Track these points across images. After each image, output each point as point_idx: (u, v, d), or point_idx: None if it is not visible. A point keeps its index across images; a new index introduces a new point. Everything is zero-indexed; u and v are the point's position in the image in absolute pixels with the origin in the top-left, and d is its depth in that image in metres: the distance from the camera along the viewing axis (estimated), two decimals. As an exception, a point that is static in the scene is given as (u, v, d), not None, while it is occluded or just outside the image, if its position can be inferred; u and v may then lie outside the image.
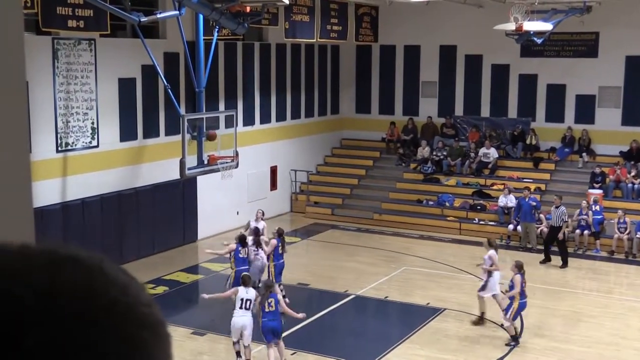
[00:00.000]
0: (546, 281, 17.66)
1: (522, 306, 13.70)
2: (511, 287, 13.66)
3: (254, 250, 15.30)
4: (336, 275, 17.60)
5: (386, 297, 16.23)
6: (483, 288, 14.57)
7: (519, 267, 13.81)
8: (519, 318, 14.05)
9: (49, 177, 16.24)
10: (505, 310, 13.67)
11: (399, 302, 16.05)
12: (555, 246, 18.96)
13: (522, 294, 13.65)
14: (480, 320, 14.62)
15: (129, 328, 0.81)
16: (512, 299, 13.64)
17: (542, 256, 19.33)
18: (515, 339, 13.68)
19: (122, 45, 18.02)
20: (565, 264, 18.71)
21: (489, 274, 14.48)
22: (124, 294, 0.82)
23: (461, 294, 16.32)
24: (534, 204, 20.24)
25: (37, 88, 15.59)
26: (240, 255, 14.92)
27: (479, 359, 13.11)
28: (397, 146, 25.54)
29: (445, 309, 15.34)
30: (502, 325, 14.04)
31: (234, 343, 12.75)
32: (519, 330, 14.06)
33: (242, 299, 12.50)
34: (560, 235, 18.80)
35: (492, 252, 14.63)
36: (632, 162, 22.16)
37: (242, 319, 12.46)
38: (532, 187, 22.65)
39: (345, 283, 16.99)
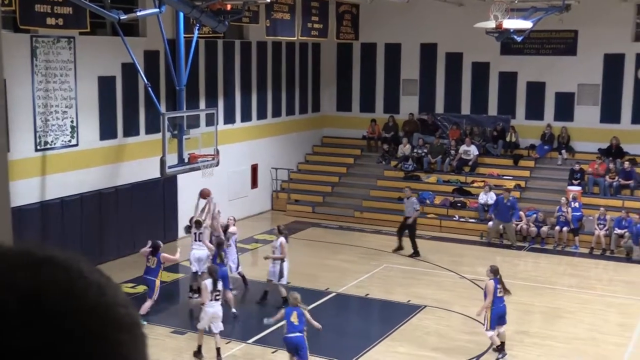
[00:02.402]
0: (525, 278, 17.79)
1: (498, 311, 12.83)
2: (485, 295, 12.95)
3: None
4: (317, 273, 17.62)
5: (367, 294, 16.27)
6: (281, 276, 15.06)
7: (495, 272, 12.96)
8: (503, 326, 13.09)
9: (27, 177, 16.12)
10: (484, 324, 13.02)
11: (380, 299, 16.11)
12: (407, 236, 19.23)
13: (500, 300, 12.88)
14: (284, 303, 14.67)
15: (108, 329, 0.81)
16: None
17: (519, 252, 19.50)
18: (500, 350, 12.91)
19: (101, 43, 17.92)
20: (416, 254, 18.99)
21: (281, 261, 15.04)
22: (102, 295, 0.83)
23: (441, 291, 16.40)
24: (509, 204, 20.35)
25: (15, 86, 15.47)
26: (147, 264, 14.68)
27: (459, 356, 13.16)
28: (378, 143, 25.61)
29: (425, 306, 15.41)
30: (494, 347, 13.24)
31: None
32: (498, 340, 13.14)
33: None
34: (411, 220, 19.13)
35: (282, 239, 15.10)
36: (611, 159, 22.35)
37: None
38: (512, 184, 22.82)
39: (326, 281, 17.02)
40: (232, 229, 16.47)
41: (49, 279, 0.80)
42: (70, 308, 0.79)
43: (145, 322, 14.51)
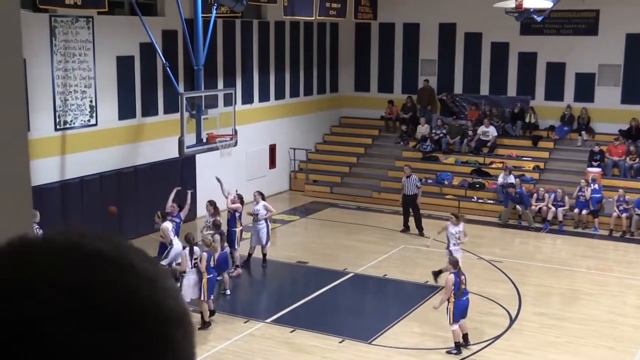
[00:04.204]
0: (544, 259, 17.74)
1: (461, 305, 12.39)
2: (451, 290, 12.35)
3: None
4: (335, 254, 17.65)
5: (385, 275, 16.29)
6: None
7: (454, 265, 12.55)
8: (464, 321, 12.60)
9: (47, 156, 16.22)
10: (448, 316, 12.48)
11: (398, 280, 16.12)
12: (412, 215, 19.35)
13: (464, 292, 12.39)
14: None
15: (161, 326, 0.80)
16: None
17: (538, 234, 19.43)
18: (457, 347, 12.39)
19: (120, 23, 17.93)
20: (421, 232, 19.04)
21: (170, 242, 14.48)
22: (154, 290, 0.81)
23: (459, 272, 16.35)
24: (517, 197, 20.31)
25: (34, 66, 15.53)
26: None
27: (475, 337, 13.14)
28: (396, 124, 25.52)
29: (442, 287, 15.37)
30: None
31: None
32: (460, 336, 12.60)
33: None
34: (418, 199, 19.34)
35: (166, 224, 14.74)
36: (631, 141, 22.15)
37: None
38: (531, 165, 22.72)
39: (344, 261, 17.04)
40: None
41: (100, 277, 0.78)
42: (124, 307, 0.77)
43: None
